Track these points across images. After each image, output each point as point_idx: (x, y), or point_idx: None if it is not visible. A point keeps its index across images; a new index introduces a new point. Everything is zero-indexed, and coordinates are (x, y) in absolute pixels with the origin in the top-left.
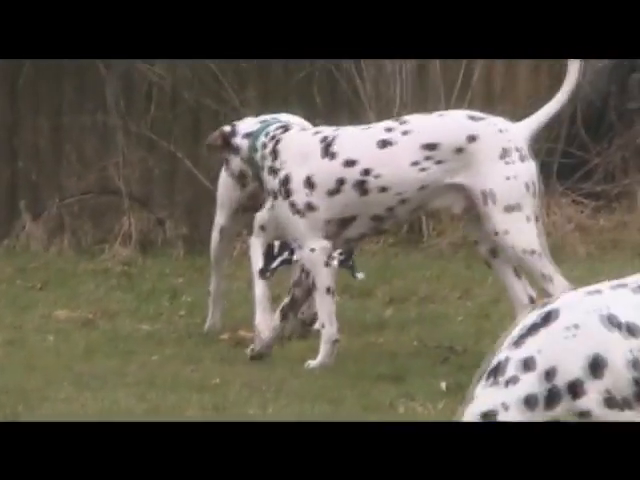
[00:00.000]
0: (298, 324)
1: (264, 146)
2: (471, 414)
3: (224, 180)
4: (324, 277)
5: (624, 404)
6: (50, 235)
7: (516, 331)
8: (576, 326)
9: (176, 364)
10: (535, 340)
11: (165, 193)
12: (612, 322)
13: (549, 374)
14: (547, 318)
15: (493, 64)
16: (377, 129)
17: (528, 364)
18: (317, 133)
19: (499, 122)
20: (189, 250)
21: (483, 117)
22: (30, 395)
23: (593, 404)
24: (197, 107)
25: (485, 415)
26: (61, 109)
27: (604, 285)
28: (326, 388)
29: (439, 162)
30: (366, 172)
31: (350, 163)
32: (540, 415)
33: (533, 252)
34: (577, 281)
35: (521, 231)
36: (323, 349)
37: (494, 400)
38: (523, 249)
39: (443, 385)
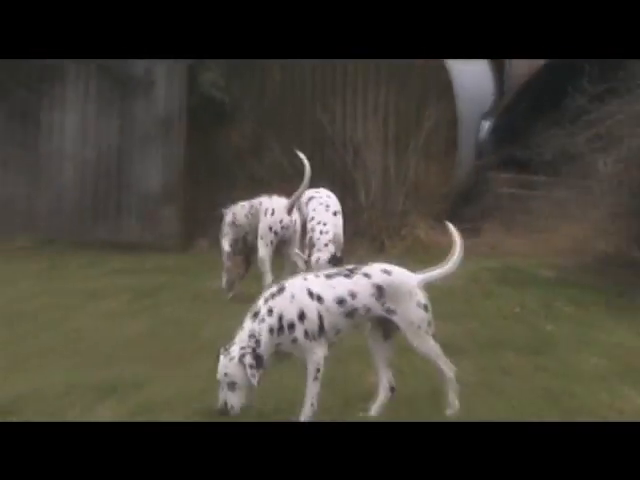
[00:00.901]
0: None
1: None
2: (244, 333)
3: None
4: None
5: (313, 337)
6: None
7: (265, 295)
8: (292, 295)
9: None
10: (275, 301)
11: None
12: (311, 294)
13: (280, 317)
14: (280, 290)
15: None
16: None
17: (270, 312)
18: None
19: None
20: None
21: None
22: None
23: (300, 335)
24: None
25: (251, 335)
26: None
27: (316, 274)
28: None
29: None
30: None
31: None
32: (275, 339)
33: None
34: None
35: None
36: None
37: (257, 329)
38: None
39: None
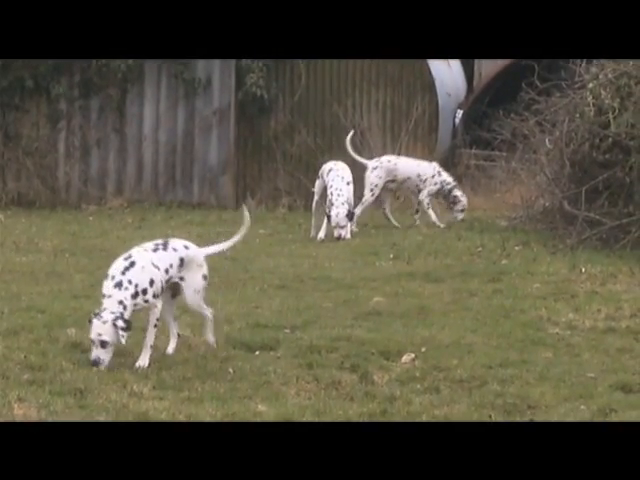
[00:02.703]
0: None
1: None
2: (112, 300)
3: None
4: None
5: (156, 297)
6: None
7: (120, 268)
8: (142, 267)
9: None
10: (130, 273)
11: None
12: (154, 265)
13: (137, 285)
14: (132, 264)
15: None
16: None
17: (130, 282)
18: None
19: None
20: None
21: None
22: None
23: (150, 297)
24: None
25: (119, 302)
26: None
27: (145, 248)
28: None
29: None
30: None
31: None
32: (134, 302)
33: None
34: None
35: None
36: None
37: (122, 295)
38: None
39: None
